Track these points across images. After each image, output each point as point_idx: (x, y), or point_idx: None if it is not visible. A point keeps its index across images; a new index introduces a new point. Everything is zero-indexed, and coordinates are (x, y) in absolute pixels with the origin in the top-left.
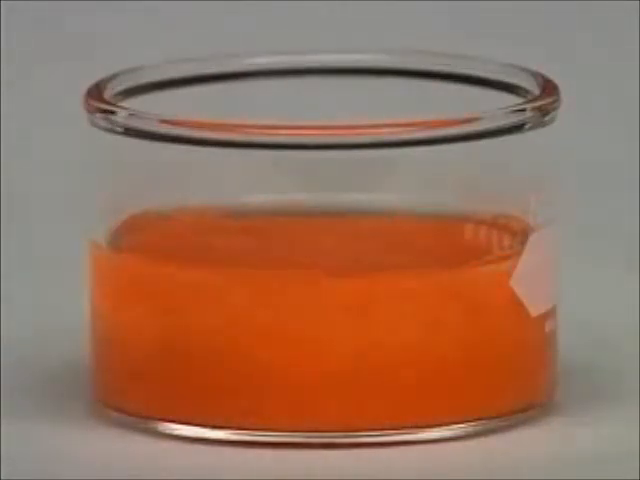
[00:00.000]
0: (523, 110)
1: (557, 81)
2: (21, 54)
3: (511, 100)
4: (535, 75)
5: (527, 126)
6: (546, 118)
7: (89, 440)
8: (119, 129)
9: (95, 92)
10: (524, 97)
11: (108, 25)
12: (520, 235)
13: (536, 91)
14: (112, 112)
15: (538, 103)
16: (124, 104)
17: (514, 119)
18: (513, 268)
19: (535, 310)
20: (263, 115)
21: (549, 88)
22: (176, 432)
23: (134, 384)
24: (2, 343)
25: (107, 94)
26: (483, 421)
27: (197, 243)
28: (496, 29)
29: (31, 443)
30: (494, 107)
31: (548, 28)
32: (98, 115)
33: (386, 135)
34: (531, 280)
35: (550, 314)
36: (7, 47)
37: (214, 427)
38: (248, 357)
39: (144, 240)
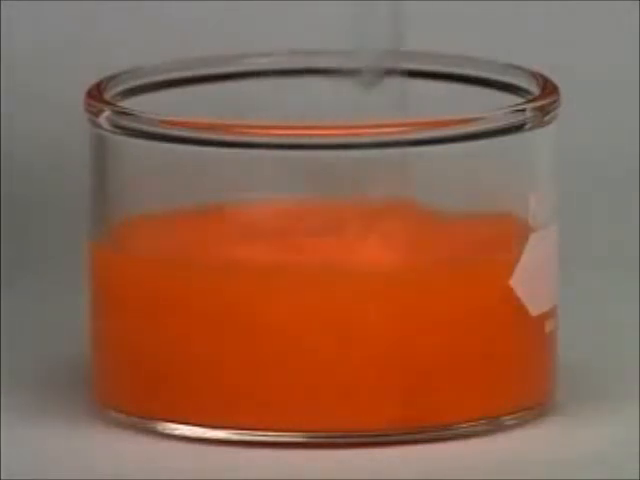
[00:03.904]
0: (523, 110)
1: (557, 81)
2: (21, 54)
3: (511, 100)
4: (535, 75)
5: (527, 126)
6: (546, 118)
7: (89, 440)
8: (119, 129)
9: (95, 92)
10: (524, 97)
11: (108, 25)
12: (520, 235)
13: (536, 91)
14: (112, 112)
15: (538, 103)
16: (124, 104)
17: (514, 119)
18: (513, 268)
19: (535, 310)
20: (263, 115)
21: (549, 88)
22: (176, 432)
23: (134, 384)
24: (2, 343)
25: (107, 94)
26: (483, 421)
27: (197, 243)
28: (496, 29)
29: (31, 443)
30: (494, 107)
31: (548, 28)
32: (98, 115)
33: (386, 135)
34: (531, 280)
35: (550, 314)
36: (7, 47)
37: (214, 427)
38: (248, 357)
39: (144, 240)
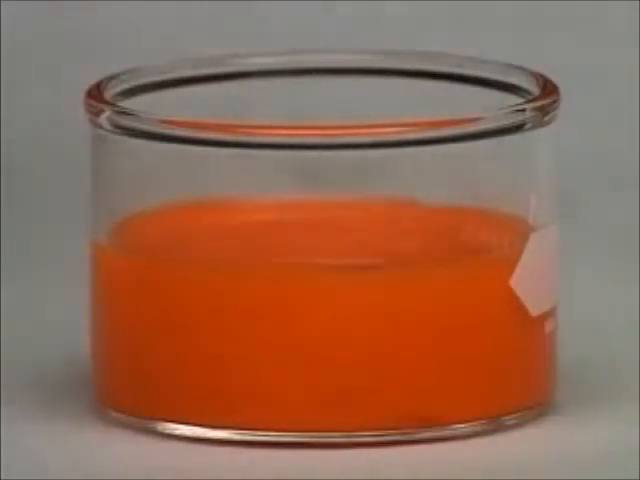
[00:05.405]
0: (523, 110)
1: (557, 81)
2: (21, 54)
3: (511, 100)
4: (535, 75)
5: (527, 126)
6: (546, 118)
7: (89, 440)
8: (119, 129)
9: (95, 92)
10: (524, 97)
11: (108, 25)
12: (520, 235)
13: (536, 91)
14: (112, 112)
15: (538, 103)
16: (124, 104)
17: (514, 119)
18: (513, 268)
19: (535, 310)
20: (263, 115)
21: (549, 88)
22: (176, 432)
23: (134, 384)
24: (2, 343)
25: (107, 94)
26: (483, 421)
27: (197, 243)
28: (496, 29)
29: (31, 443)
30: (494, 107)
31: (548, 28)
32: (98, 115)
33: (386, 135)
34: (531, 280)
35: (550, 314)
36: (7, 47)
37: (214, 427)
38: (248, 357)
39: (144, 240)
